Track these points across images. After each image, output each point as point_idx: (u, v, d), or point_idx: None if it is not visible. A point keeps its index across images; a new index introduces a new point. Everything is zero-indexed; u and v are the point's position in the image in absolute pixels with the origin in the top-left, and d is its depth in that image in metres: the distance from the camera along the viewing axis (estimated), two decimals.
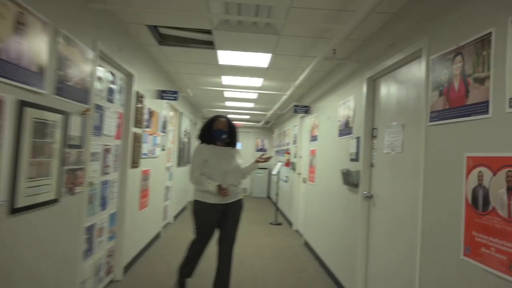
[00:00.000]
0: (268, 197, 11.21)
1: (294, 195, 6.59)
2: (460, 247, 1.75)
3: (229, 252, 3.12)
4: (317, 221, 4.73)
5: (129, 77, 3.60)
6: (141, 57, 3.93)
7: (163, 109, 5.21)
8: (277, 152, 9.73)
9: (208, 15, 2.56)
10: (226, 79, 5.46)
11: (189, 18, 3.03)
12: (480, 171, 1.65)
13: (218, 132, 3.07)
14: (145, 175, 4.35)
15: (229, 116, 9.52)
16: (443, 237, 1.90)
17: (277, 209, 7.17)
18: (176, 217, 6.87)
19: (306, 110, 5.52)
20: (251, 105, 8.00)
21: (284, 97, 5.71)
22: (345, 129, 3.70)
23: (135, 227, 4.07)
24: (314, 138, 5.22)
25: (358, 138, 3.30)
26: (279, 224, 6.94)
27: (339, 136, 3.90)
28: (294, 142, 6.88)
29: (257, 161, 3.22)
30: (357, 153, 3.30)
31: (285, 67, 4.51)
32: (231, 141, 3.19)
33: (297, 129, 6.66)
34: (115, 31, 3.14)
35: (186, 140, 7.51)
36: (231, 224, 3.10)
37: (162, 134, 5.22)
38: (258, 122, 11.22)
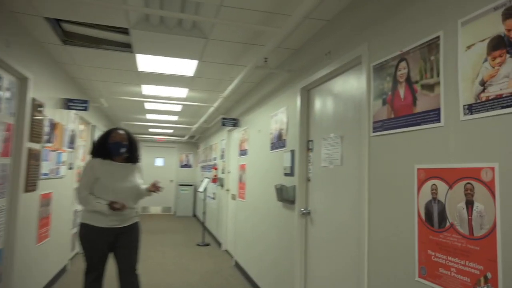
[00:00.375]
0: (194, 216, 10.64)
1: (222, 213, 6.24)
2: (414, 268, 1.60)
3: (134, 280, 2.72)
4: (249, 240, 4.44)
5: (22, 80, 2.95)
6: (39, 58, 3.28)
7: (71, 121, 4.50)
8: (203, 168, 9.31)
9: (124, 6, 2.14)
10: (147, 89, 4.95)
11: (100, 11, 2.56)
12: (433, 184, 1.52)
13: (115, 146, 2.69)
14: (46, 200, 3.61)
15: (151, 130, 8.82)
16: (394, 258, 1.74)
17: (205, 228, 6.71)
18: None
19: (235, 123, 5.27)
20: (175, 118, 7.50)
21: (211, 109, 5.40)
22: (278, 142, 3.51)
23: (31, 264, 3.31)
24: (243, 152, 4.97)
25: (292, 151, 3.12)
26: (207, 245, 6.49)
27: (272, 150, 3.71)
28: (222, 156, 6.57)
29: (150, 190, 2.86)
30: (292, 167, 3.12)
31: (213, 76, 4.21)
32: (131, 157, 2.81)
33: (225, 143, 6.38)
34: (1, 22, 2.52)
35: None
36: (129, 252, 2.72)
37: (70, 150, 4.49)
38: (183, 136, 10.68)
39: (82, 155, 5.46)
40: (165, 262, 5.20)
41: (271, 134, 3.74)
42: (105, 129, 7.21)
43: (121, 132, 2.76)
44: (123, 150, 2.72)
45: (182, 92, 5.06)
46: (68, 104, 3.99)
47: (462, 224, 1.37)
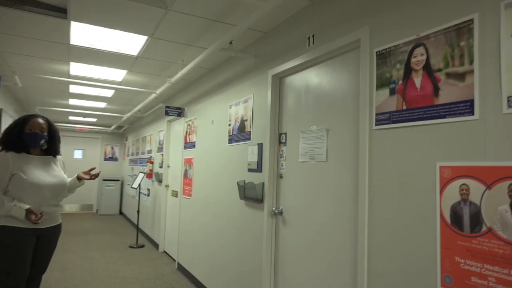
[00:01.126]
0: (121, 213, 9.72)
1: (159, 212, 5.69)
2: (436, 277, 1.44)
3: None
4: (197, 240, 4.05)
5: None
6: None
7: None
8: (133, 161, 8.50)
9: None
10: (76, 68, 4.20)
11: None
12: (463, 184, 1.36)
13: (32, 137, 2.32)
14: None
15: (71, 118, 7.78)
16: (406, 265, 1.57)
17: (138, 228, 6.08)
18: None
19: (179, 112, 4.78)
20: (102, 105, 6.65)
21: (152, 96, 4.82)
22: (240, 135, 3.19)
23: None
24: (190, 145, 4.53)
25: (260, 144, 2.83)
26: (142, 246, 5.88)
27: (230, 143, 3.37)
28: (160, 149, 5.99)
29: (80, 177, 2.54)
30: (259, 162, 2.83)
31: (162, 57, 3.69)
32: (52, 149, 2.47)
33: (164, 134, 5.81)
34: None
35: None
36: (45, 257, 2.41)
37: None
38: (108, 126, 9.65)
39: None
40: (96, 269, 4.52)
41: (230, 126, 3.40)
42: (15, 115, 6.08)
43: (40, 120, 2.38)
44: (42, 141, 2.36)
45: (118, 74, 4.41)
46: None
47: (505, 229, 1.23)
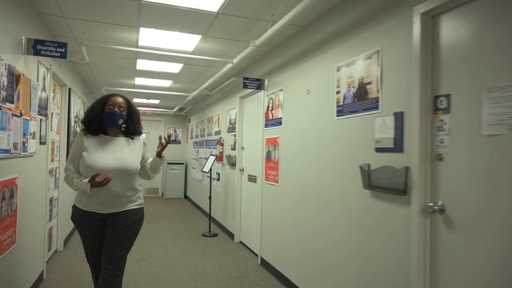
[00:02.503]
0: (186, 197, 9.50)
1: (234, 198, 5.15)
2: None
3: (109, 283, 2.13)
4: (288, 236, 3.40)
5: None
6: None
7: (41, 76, 3.19)
8: (197, 144, 8.11)
9: None
10: (145, 36, 3.67)
11: None
12: None
13: (111, 116, 2.24)
14: (8, 189, 2.38)
15: (136, 100, 7.55)
16: None
17: (210, 216, 5.62)
18: (66, 241, 4.76)
19: (258, 85, 4.10)
20: (168, 83, 6.20)
21: (227, 66, 4.18)
22: (357, 104, 2.42)
23: None
24: (273, 123, 3.85)
25: (398, 114, 2.04)
26: (215, 235, 5.42)
27: (340, 115, 2.61)
28: (231, 129, 5.41)
29: (157, 153, 2.36)
30: (397, 139, 2.05)
31: (247, 12, 3.00)
32: (131, 129, 2.35)
33: (235, 112, 5.20)
34: None
35: (78, 129, 5.35)
36: (110, 244, 2.18)
37: (41, 117, 3.20)
38: (171, 108, 9.35)
39: (56, 126, 4.15)
40: (171, 262, 4.10)
41: (339, 94, 2.64)
42: (83, 97, 5.84)
43: (119, 99, 2.30)
44: (121, 121, 2.27)
45: (190, 42, 3.81)
46: (36, 47, 2.68)
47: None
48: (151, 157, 2.44)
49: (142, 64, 4.87)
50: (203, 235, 5.39)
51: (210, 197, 5.54)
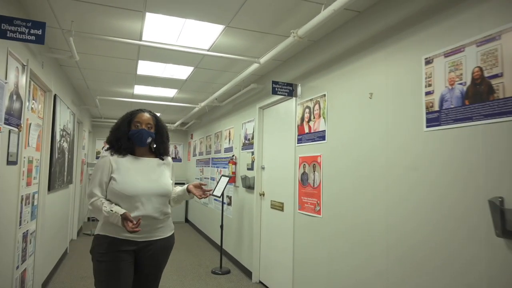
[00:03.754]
0: (187, 221, 8.57)
1: (252, 228, 4.28)
2: None
3: None
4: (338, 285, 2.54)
5: None
6: None
7: (12, 72, 2.37)
8: (201, 162, 7.27)
9: None
10: (152, 25, 2.89)
11: None
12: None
13: (138, 135, 2.01)
14: None
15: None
16: None
17: (222, 250, 4.73)
18: (45, 285, 3.84)
19: (290, 90, 3.33)
20: (172, 93, 5.41)
21: (252, 67, 3.40)
22: (470, 108, 1.63)
23: None
24: (312, 137, 3.05)
25: None
26: (227, 272, 4.52)
27: (432, 126, 1.82)
28: (246, 146, 4.59)
29: (190, 190, 2.10)
30: None
31: None
32: (160, 148, 2.13)
33: (253, 126, 4.40)
34: None
35: (65, 145, 4.51)
36: (148, 274, 1.99)
37: (11, 128, 2.38)
38: (172, 123, 8.54)
39: (36, 141, 3.31)
40: None
41: (432, 95, 1.85)
42: (72, 107, 5.02)
43: (147, 115, 2.09)
44: (149, 140, 2.05)
45: (209, 34, 3.04)
46: (1, 26, 1.88)
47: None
48: (176, 185, 2.22)
49: (144, 67, 4.08)
50: (214, 272, 4.49)
51: (222, 226, 4.66)
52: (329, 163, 2.78)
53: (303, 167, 3.15)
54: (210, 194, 2.17)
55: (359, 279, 2.36)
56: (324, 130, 2.87)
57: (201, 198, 2.07)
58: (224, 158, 5.64)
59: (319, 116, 2.96)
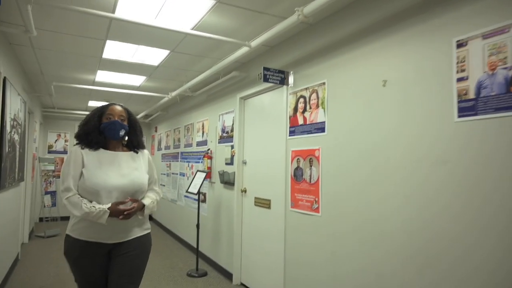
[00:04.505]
0: (151, 219, 8.05)
1: (232, 227, 3.99)
2: None
3: None
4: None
5: None
6: None
7: None
8: (168, 156, 6.82)
9: None
10: (126, 2, 2.48)
11: None
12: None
13: (111, 126, 1.95)
14: None
15: (91, 103, 6.16)
16: None
17: (198, 251, 4.37)
18: None
19: (281, 78, 3.06)
20: (139, 81, 4.93)
21: (241, 51, 3.08)
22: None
23: None
24: (308, 129, 2.81)
25: None
26: (204, 274, 4.19)
27: (467, 115, 1.65)
28: (224, 139, 4.27)
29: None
30: None
31: None
32: (132, 142, 2.08)
33: (233, 118, 4.09)
34: None
35: (16, 138, 3.89)
36: (120, 275, 1.89)
37: None
38: (135, 114, 7.92)
39: None
40: None
41: (464, 81, 1.68)
42: (23, 94, 4.38)
43: (118, 107, 2.03)
44: (122, 132, 1.98)
45: (196, 9, 2.67)
46: None
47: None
48: (152, 178, 2.12)
49: (112, 49, 3.60)
50: (189, 275, 4.14)
51: (198, 226, 4.31)
52: (330, 157, 2.56)
53: (297, 161, 2.91)
54: (129, 212, 1.84)
55: (368, 281, 2.17)
56: (324, 122, 2.64)
57: (122, 219, 1.83)
58: (197, 152, 5.27)
59: (317, 106, 2.72)
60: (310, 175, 2.74)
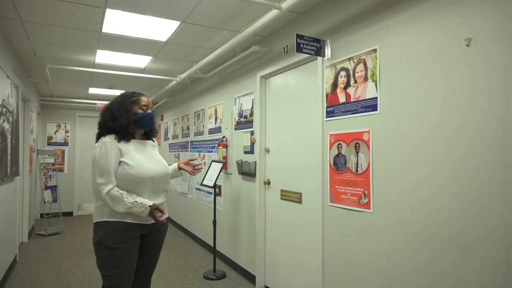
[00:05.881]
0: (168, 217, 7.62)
1: (254, 224, 3.53)
2: None
3: None
4: None
5: None
6: None
7: None
8: (176, 146, 6.35)
9: None
10: None
11: None
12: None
13: (149, 118, 2.03)
14: None
15: (92, 90, 5.62)
16: None
17: (215, 251, 3.93)
18: None
19: (317, 48, 2.55)
20: (145, 61, 4.43)
21: (270, 15, 2.57)
22: None
23: None
24: (352, 108, 2.31)
25: None
26: (223, 276, 3.75)
27: None
28: (242, 125, 3.78)
29: (181, 167, 2.30)
30: None
31: None
32: (152, 131, 2.15)
33: (253, 100, 3.60)
34: None
35: (7, 126, 3.42)
36: (151, 257, 2.09)
37: None
38: None
39: None
40: None
41: None
42: (14, 77, 3.90)
43: (147, 98, 2.08)
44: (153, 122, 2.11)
45: None
46: None
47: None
48: None
49: (112, 21, 3.09)
50: (206, 277, 3.71)
51: (214, 222, 3.85)
52: (384, 140, 2.07)
53: (337, 147, 2.41)
54: (201, 169, 2.27)
55: None
56: (375, 98, 2.15)
57: (193, 174, 2.28)
58: (209, 140, 4.79)
59: (365, 80, 2.22)
60: (357, 164, 2.26)
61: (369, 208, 2.17)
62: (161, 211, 1.90)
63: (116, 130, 1.90)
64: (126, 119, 1.91)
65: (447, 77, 1.74)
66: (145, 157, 1.97)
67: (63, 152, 7.31)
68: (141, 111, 1.98)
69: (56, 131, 7.35)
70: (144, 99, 2.03)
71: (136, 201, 1.83)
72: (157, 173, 1.97)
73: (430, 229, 1.79)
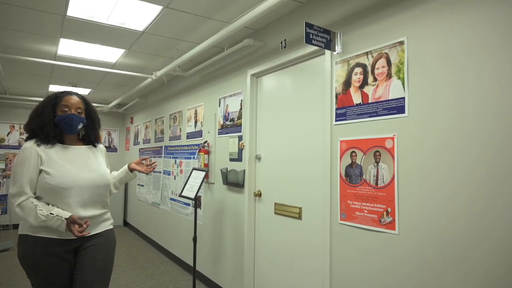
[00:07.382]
0: (126, 224, 6.99)
1: (240, 239, 3.11)
2: None
3: None
4: None
5: None
6: None
7: None
8: (147, 151, 5.81)
9: None
10: None
11: None
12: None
13: (68, 121, 1.81)
14: None
15: (52, 87, 4.84)
16: None
17: (195, 271, 3.43)
18: None
19: (327, 40, 2.20)
20: (116, 55, 3.90)
21: (267, 3, 2.20)
22: None
23: None
24: (370, 111, 1.98)
25: None
26: None
27: None
28: (228, 128, 3.37)
29: (132, 169, 2.08)
30: None
31: None
32: (90, 135, 1.94)
33: (242, 101, 3.21)
34: None
35: None
36: (91, 274, 1.76)
37: None
38: (107, 103, 6.84)
39: None
40: None
41: None
42: None
43: (75, 98, 1.87)
44: (80, 126, 1.85)
45: None
46: None
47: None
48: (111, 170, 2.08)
49: (81, 2, 2.59)
50: None
51: (195, 239, 3.36)
52: (415, 148, 1.75)
53: (351, 156, 2.07)
54: (155, 166, 2.13)
55: None
56: (403, 98, 1.82)
57: (148, 173, 2.08)
58: (187, 146, 4.33)
59: (389, 77, 1.90)
60: (377, 175, 1.91)
61: (394, 229, 1.82)
62: (80, 224, 1.64)
63: (35, 133, 1.78)
64: (39, 123, 1.77)
65: (493, 66, 1.44)
66: (73, 165, 1.79)
67: (15, 156, 6.51)
68: (61, 113, 1.80)
69: (9, 133, 6.56)
70: (66, 100, 1.83)
71: (51, 213, 1.64)
72: (87, 183, 1.79)
73: (475, 256, 1.47)
